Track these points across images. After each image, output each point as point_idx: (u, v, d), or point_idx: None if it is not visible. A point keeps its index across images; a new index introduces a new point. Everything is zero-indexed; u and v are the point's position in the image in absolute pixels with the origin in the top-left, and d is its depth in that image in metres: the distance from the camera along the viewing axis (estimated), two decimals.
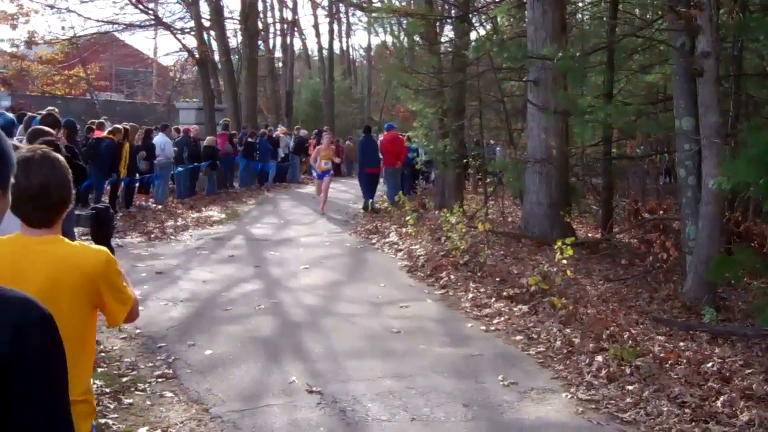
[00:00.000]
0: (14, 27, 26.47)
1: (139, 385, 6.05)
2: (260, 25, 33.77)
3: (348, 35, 67.39)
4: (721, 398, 5.72)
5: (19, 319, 1.49)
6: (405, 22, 19.37)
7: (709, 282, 9.04)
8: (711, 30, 8.81)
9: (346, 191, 23.71)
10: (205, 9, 26.09)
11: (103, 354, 6.70)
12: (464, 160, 17.60)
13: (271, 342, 7.38)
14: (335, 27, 47.00)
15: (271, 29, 42.13)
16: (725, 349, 7.32)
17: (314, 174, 20.19)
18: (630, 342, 7.05)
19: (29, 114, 11.37)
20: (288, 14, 44.65)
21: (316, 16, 50.26)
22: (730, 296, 10.02)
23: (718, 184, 8.18)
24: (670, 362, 6.56)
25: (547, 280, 9.14)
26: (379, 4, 20.80)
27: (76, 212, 4.03)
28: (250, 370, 6.51)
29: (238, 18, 29.31)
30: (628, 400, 5.81)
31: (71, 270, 2.68)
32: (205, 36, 27.16)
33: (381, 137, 20.10)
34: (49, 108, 10.43)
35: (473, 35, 17.52)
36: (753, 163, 7.50)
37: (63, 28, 34.77)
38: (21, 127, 9.83)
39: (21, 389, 1.46)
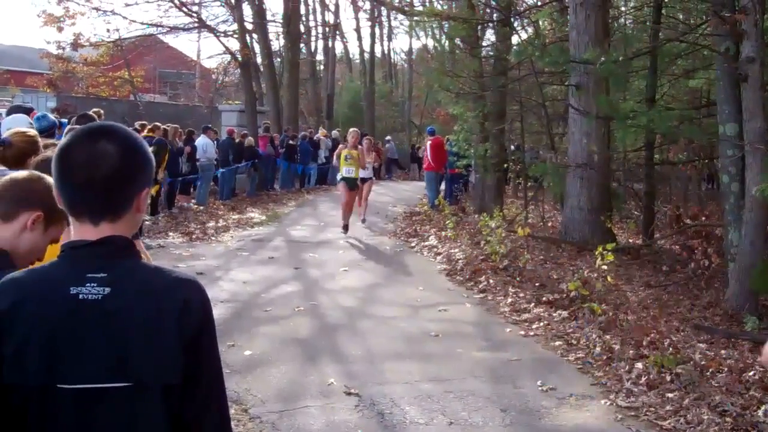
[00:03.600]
0: (60, 29, 26.77)
1: None
2: (302, 29, 33.88)
3: (389, 38, 67.42)
4: (763, 407, 5.65)
5: (201, 292, 1.87)
6: (446, 25, 19.40)
7: (752, 290, 8.93)
8: (756, 35, 8.71)
9: (385, 194, 23.75)
10: (248, 12, 26.34)
11: None
12: (504, 165, 17.58)
13: (309, 343, 7.43)
14: (377, 30, 47.05)
15: (313, 32, 42.28)
16: None
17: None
18: (671, 349, 6.98)
19: (73, 118, 11.56)
20: (330, 18, 44.74)
21: (357, 20, 50.17)
22: None
23: (762, 191, 8.10)
24: (711, 370, 6.49)
25: (587, 286, 9.07)
26: (420, 8, 20.81)
27: None
28: (288, 371, 6.56)
29: (281, 21, 29.50)
30: (668, 407, 5.76)
31: None
32: (248, 39, 27.38)
33: (428, 142, 20.12)
34: (95, 109, 10.59)
35: (515, 39, 17.48)
36: None
37: (108, 30, 35.02)
38: (68, 127, 10.02)
39: (208, 345, 1.85)
